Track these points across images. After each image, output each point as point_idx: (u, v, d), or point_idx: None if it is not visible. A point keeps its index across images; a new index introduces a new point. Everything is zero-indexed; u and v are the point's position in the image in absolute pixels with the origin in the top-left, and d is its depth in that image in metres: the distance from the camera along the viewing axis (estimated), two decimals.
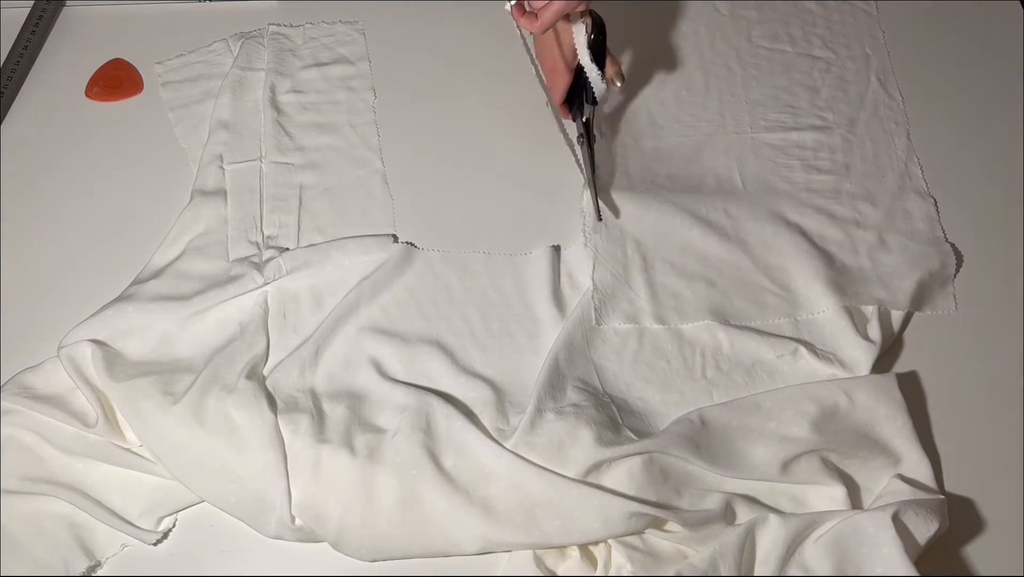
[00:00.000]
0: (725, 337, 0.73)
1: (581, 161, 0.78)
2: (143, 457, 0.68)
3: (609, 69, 0.77)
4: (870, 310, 0.74)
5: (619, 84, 0.78)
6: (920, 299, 0.76)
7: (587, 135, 0.77)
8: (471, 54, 0.90)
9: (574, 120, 0.79)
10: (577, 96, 0.79)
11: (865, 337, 0.72)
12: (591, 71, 0.74)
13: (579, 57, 0.74)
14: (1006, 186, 0.83)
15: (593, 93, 0.76)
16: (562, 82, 0.77)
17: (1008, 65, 0.91)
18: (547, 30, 0.70)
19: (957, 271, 0.78)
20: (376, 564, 0.65)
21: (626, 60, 0.86)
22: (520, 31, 0.79)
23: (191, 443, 0.66)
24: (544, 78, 0.81)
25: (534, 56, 0.80)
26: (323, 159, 0.83)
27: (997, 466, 0.69)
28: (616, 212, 0.78)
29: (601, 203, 0.77)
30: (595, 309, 0.74)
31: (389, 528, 0.64)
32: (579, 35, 0.73)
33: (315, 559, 0.66)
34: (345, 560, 0.65)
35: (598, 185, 0.77)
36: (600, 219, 0.76)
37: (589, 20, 0.73)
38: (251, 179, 0.81)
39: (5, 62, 0.88)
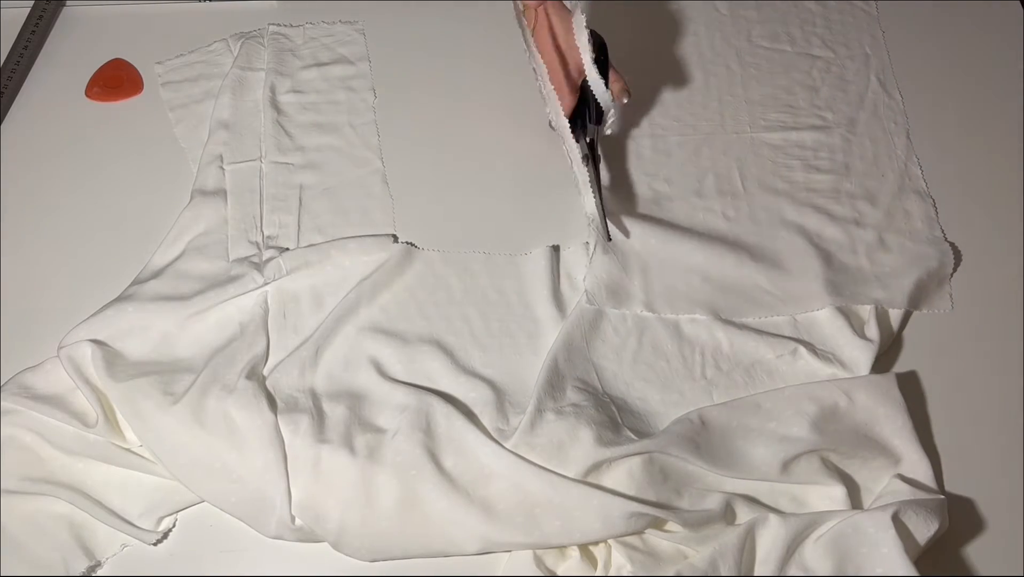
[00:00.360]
0: (725, 337, 0.73)
1: (582, 183, 0.77)
2: (143, 457, 0.68)
3: (614, 86, 0.76)
4: (867, 311, 0.74)
5: (626, 100, 0.77)
6: (917, 298, 0.76)
7: (592, 155, 0.77)
8: (471, 54, 0.90)
9: (577, 141, 0.79)
10: (581, 116, 0.78)
11: (864, 337, 0.73)
12: (599, 90, 0.73)
13: (586, 74, 0.74)
14: (1006, 186, 0.83)
15: (598, 113, 0.75)
16: (567, 103, 0.77)
17: (1008, 65, 0.91)
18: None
19: (955, 271, 0.78)
20: (376, 564, 0.65)
21: (625, 60, 0.86)
22: (529, 57, 0.79)
23: (191, 443, 0.66)
24: (549, 99, 0.80)
25: (539, 76, 0.79)
26: (323, 159, 0.83)
27: (997, 466, 0.69)
28: (624, 230, 0.77)
29: (610, 223, 0.75)
30: (586, 290, 0.74)
31: (389, 528, 0.64)
32: (584, 53, 0.73)
33: (315, 559, 0.66)
34: (345, 560, 0.65)
35: (605, 208, 0.76)
36: (610, 239, 0.75)
37: (592, 41, 0.72)
38: (251, 179, 0.81)
39: (5, 62, 0.88)
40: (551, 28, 0.75)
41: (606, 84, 0.75)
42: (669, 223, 0.79)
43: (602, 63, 0.74)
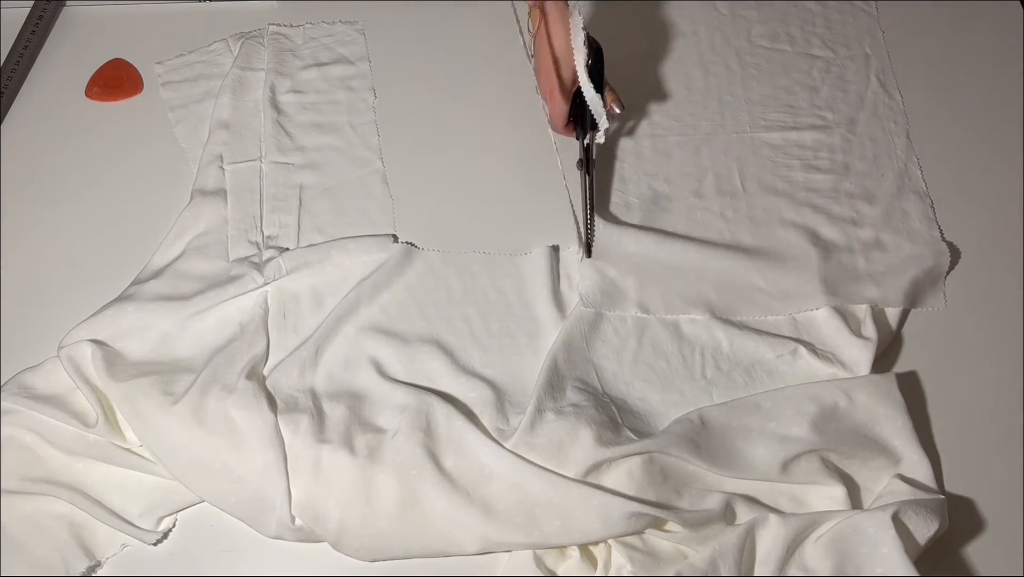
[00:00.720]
0: (725, 337, 0.73)
1: (580, 190, 0.77)
2: (143, 457, 0.68)
3: (607, 97, 0.76)
4: (863, 310, 0.74)
5: (618, 111, 0.77)
6: (913, 297, 0.76)
7: (587, 160, 0.77)
8: (471, 54, 0.90)
9: (577, 139, 0.78)
10: (577, 121, 0.78)
11: (863, 336, 0.72)
12: (590, 95, 0.73)
13: (579, 82, 0.74)
14: (1006, 186, 0.83)
15: (593, 118, 0.75)
16: (561, 107, 0.77)
17: (1008, 65, 0.91)
18: None
19: (951, 270, 0.78)
20: (376, 564, 0.65)
21: (625, 59, 0.86)
22: (529, 60, 0.78)
23: (191, 443, 0.66)
24: (544, 102, 0.79)
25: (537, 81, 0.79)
26: (323, 159, 0.83)
27: (997, 466, 0.69)
28: (611, 225, 0.76)
29: (593, 232, 0.75)
30: (580, 294, 0.74)
31: (389, 528, 0.64)
32: (579, 59, 0.72)
33: (315, 559, 0.66)
34: (345, 560, 0.65)
35: (594, 215, 0.76)
36: (590, 255, 0.75)
37: (588, 46, 0.72)
38: (251, 179, 0.81)
39: (5, 62, 0.88)
40: (547, 31, 0.75)
41: (601, 91, 0.75)
42: (661, 230, 0.79)
43: (597, 69, 0.74)
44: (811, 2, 0.95)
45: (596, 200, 0.77)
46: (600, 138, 0.77)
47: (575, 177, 0.79)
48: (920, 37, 0.93)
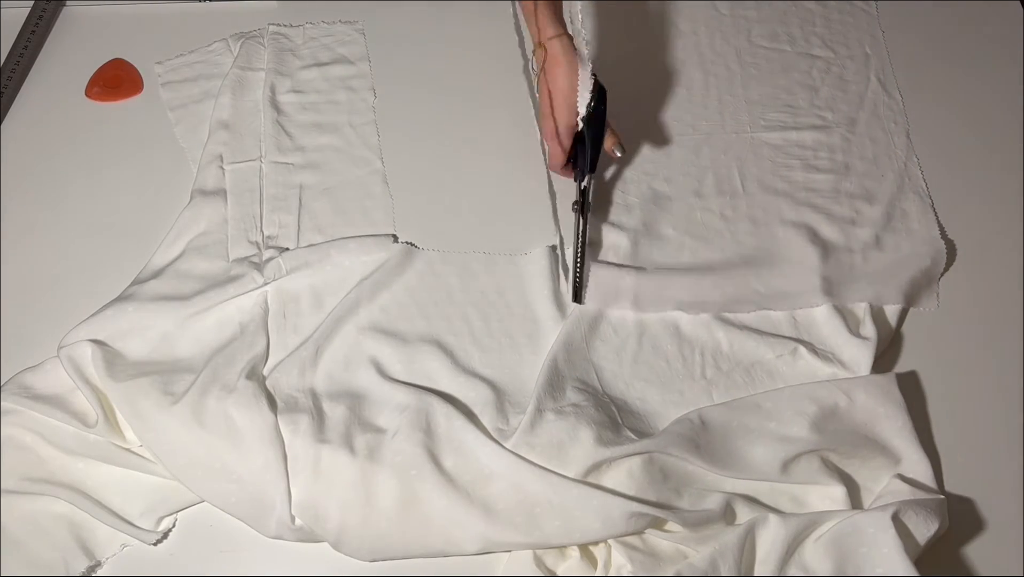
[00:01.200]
0: (725, 337, 0.73)
1: (574, 233, 0.76)
2: (143, 457, 0.68)
3: (608, 139, 0.76)
4: (862, 309, 0.74)
5: (618, 154, 0.77)
6: (911, 296, 0.76)
7: (582, 203, 0.76)
8: (471, 54, 0.90)
9: (575, 181, 0.78)
10: (575, 163, 0.78)
11: (862, 336, 0.72)
12: (588, 139, 0.73)
13: (581, 123, 0.74)
14: (1006, 186, 0.83)
15: (592, 161, 0.75)
16: (560, 150, 0.76)
17: (1008, 65, 0.91)
18: None
19: (946, 270, 0.78)
20: (376, 564, 0.65)
21: (625, 59, 0.86)
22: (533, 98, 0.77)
23: (191, 443, 0.66)
24: (544, 143, 0.78)
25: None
26: (323, 159, 0.83)
27: (997, 466, 0.69)
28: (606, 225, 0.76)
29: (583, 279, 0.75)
30: (573, 286, 0.74)
31: (389, 528, 0.64)
32: (582, 103, 0.72)
33: (315, 559, 0.66)
34: (345, 560, 0.65)
35: (585, 268, 0.75)
36: (577, 301, 0.74)
37: (592, 88, 0.72)
38: (251, 179, 0.81)
39: (5, 62, 0.88)
40: (544, 72, 0.74)
41: (602, 135, 0.74)
42: (658, 231, 0.79)
43: (600, 112, 0.74)
44: (811, 2, 0.95)
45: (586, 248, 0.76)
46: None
47: (570, 219, 0.78)
48: (920, 37, 0.93)
